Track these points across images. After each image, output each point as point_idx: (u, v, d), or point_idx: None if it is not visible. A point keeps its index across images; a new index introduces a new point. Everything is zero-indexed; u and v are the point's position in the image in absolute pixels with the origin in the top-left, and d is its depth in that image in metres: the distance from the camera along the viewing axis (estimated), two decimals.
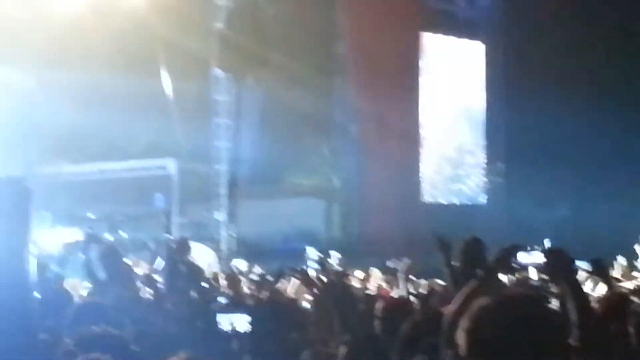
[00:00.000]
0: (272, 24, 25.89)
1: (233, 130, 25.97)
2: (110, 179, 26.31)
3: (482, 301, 3.34)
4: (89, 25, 23.75)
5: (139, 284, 10.20)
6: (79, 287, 12.12)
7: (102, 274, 9.81)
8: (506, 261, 5.16)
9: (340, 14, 27.09)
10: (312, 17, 26.29)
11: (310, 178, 28.39)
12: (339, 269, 14.20)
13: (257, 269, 16.54)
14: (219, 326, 7.60)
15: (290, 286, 11.80)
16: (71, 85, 24.85)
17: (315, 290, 6.60)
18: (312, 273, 13.44)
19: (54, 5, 22.71)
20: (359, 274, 16.58)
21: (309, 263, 17.31)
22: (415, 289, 14.02)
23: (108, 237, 21.05)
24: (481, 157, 30.78)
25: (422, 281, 14.82)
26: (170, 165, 25.47)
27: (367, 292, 12.95)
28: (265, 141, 26.06)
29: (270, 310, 7.78)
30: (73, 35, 23.78)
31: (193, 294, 9.62)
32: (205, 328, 7.80)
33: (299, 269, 9.45)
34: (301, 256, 19.66)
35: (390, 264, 13.18)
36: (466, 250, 7.40)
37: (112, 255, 9.96)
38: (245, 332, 7.50)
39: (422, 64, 28.79)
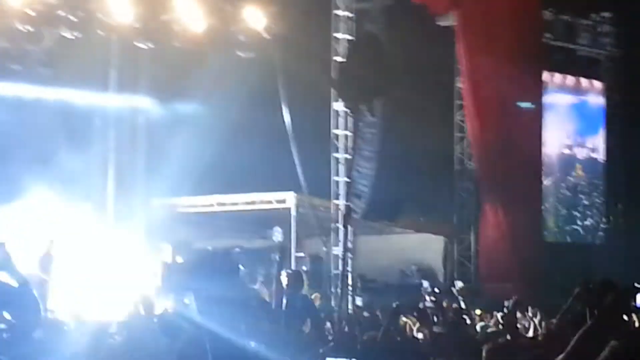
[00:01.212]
0: (392, 58, 25.81)
1: (352, 165, 25.96)
2: (229, 212, 26.51)
3: (613, 343, 3.26)
4: (209, 58, 24.08)
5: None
6: None
7: None
8: (627, 302, 5.03)
9: (460, 48, 26.88)
10: (432, 52, 26.21)
11: (429, 214, 28.19)
12: (461, 305, 13.97)
13: (374, 306, 16.43)
14: None
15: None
16: (193, 117, 25.22)
17: (434, 329, 6.49)
18: (429, 311, 13.33)
19: (174, 37, 23.06)
20: (477, 311, 16.38)
21: (427, 300, 17.16)
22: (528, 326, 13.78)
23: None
24: (599, 198, 30.39)
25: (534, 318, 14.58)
26: (290, 199, 25.53)
27: (487, 330, 12.71)
28: (384, 176, 25.97)
29: (386, 350, 7.65)
30: (194, 68, 24.15)
31: (306, 330, 9.55)
32: None
33: (417, 306, 9.33)
34: (419, 292, 19.54)
35: (507, 302, 12.96)
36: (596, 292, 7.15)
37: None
38: None
39: (543, 100, 28.44)
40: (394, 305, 9.80)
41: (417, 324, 11.22)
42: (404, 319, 12.13)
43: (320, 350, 8.12)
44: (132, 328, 11.17)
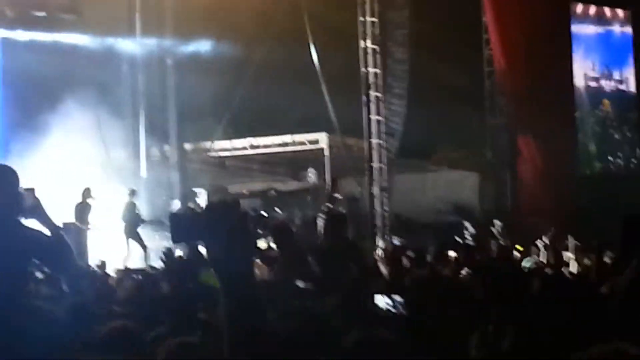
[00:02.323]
0: None
1: (384, 103, 25.80)
2: (263, 154, 26.47)
3: None
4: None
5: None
6: None
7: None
8: None
9: None
10: None
11: (463, 151, 28.07)
12: (500, 242, 13.92)
13: (412, 245, 16.35)
14: (377, 306, 7.45)
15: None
16: (222, 60, 25.09)
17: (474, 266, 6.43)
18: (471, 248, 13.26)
19: None
20: (518, 247, 16.32)
21: (468, 238, 17.10)
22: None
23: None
24: (629, 132, 30.03)
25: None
26: (323, 140, 25.45)
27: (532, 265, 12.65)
28: (417, 114, 25.81)
29: (430, 288, 7.59)
30: (222, 10, 23.97)
31: (351, 271, 9.49)
32: (363, 307, 7.65)
33: (460, 243, 9.29)
34: (456, 230, 19.46)
35: (544, 237, 12.93)
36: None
37: (284, 231, 9.99)
38: (403, 312, 7.32)
39: (573, 30, 28.12)
40: (437, 243, 9.68)
41: (461, 261, 11.19)
42: (449, 255, 12.09)
43: (367, 289, 8.09)
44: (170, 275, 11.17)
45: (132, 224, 21.50)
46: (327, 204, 19.86)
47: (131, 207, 21.73)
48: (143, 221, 21.72)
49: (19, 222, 5.95)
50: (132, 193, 22.16)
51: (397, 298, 7.38)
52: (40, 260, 6.24)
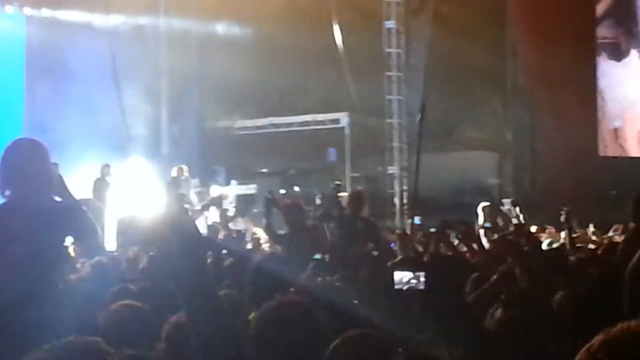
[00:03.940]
0: None
1: (405, 83, 25.79)
2: (283, 133, 26.50)
3: None
4: None
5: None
6: None
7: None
8: None
9: None
10: None
11: (482, 131, 27.98)
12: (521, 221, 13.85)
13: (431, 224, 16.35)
14: (396, 283, 7.46)
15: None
16: (244, 40, 25.11)
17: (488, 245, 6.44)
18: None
19: None
20: (533, 228, 16.28)
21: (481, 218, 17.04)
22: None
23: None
24: None
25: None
26: (343, 119, 25.46)
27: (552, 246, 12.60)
28: (437, 94, 25.76)
29: (444, 265, 7.61)
30: None
31: (369, 249, 9.54)
32: (382, 285, 7.67)
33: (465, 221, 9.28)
34: (475, 210, 19.40)
35: (562, 218, 12.86)
36: None
37: (296, 210, 10.01)
38: (420, 289, 7.34)
39: (598, 11, 27.90)
40: (441, 221, 9.63)
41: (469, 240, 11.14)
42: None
43: (387, 265, 8.10)
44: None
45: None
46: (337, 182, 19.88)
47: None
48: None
49: (53, 198, 5.94)
50: (181, 170, 22.35)
51: (418, 275, 7.38)
52: (75, 239, 6.22)
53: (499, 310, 6.07)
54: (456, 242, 9.40)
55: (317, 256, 8.50)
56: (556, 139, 26.29)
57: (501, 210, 18.18)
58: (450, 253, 9.09)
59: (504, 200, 20.62)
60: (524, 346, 5.26)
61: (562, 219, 12.25)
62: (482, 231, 12.65)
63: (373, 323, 4.89)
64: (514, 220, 14.38)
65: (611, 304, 4.68)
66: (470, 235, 8.87)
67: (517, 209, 17.49)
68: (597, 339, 2.30)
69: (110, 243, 16.54)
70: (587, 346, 2.31)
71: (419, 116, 14.12)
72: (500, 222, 16.79)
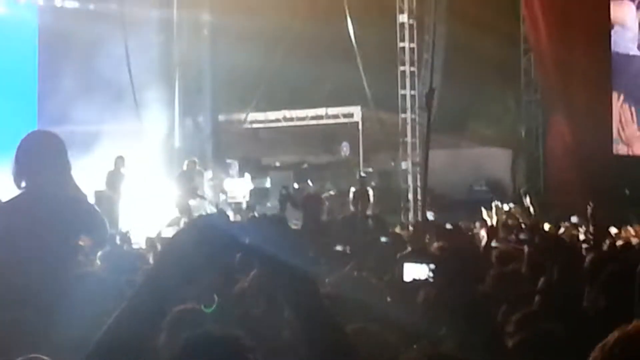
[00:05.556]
0: None
1: (418, 78, 25.75)
2: (297, 127, 26.47)
3: None
4: None
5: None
6: None
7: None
8: None
9: None
10: None
11: (496, 127, 27.92)
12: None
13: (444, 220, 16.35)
14: (405, 276, 7.43)
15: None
16: (257, 33, 25.06)
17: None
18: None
19: None
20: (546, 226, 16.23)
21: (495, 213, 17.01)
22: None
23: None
24: None
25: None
26: (356, 113, 25.43)
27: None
28: (450, 89, 25.71)
29: (455, 260, 7.56)
30: None
31: (380, 243, 9.50)
32: (391, 278, 7.64)
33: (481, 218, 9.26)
34: (487, 206, 19.38)
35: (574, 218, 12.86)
36: None
37: (317, 204, 10.02)
38: (430, 282, 7.30)
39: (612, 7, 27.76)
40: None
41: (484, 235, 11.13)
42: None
43: (397, 256, 8.08)
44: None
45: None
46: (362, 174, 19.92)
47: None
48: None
49: (67, 192, 5.91)
50: (193, 163, 22.36)
51: (429, 267, 7.35)
52: (88, 233, 6.19)
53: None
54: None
55: (338, 248, 8.50)
56: (570, 135, 26.18)
57: (508, 211, 18.16)
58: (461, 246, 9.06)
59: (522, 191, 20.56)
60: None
61: (589, 214, 12.24)
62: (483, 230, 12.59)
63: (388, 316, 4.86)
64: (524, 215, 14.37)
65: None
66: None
67: (528, 199, 17.44)
68: (612, 335, 2.30)
69: (123, 234, 16.58)
70: (602, 343, 2.31)
71: (426, 101, 14.00)
72: (509, 221, 16.73)
